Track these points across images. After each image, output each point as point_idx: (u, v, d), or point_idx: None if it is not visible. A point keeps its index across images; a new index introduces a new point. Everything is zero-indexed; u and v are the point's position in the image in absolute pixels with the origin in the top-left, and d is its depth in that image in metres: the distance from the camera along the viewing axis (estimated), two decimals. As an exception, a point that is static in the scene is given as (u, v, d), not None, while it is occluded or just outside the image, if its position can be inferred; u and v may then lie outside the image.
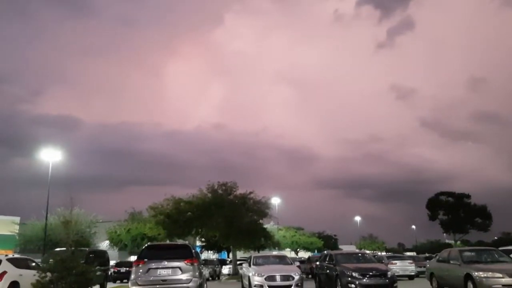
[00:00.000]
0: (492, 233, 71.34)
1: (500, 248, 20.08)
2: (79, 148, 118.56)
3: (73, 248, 14.48)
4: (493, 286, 12.55)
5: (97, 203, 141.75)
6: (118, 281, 28.06)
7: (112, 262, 29.38)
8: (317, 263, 19.99)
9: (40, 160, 31.22)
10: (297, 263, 29.05)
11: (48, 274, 13.19)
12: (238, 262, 35.34)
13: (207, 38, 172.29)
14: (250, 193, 34.19)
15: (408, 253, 66.24)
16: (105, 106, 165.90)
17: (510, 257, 15.06)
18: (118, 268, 30.98)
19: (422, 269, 24.72)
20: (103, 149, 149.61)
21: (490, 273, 12.88)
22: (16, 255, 18.87)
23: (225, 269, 38.58)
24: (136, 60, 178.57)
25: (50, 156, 30.20)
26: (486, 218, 58.12)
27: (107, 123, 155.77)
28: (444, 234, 67.84)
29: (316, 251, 66.37)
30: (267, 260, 18.32)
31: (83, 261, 15.14)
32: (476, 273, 13.08)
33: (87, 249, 22.11)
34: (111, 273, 27.38)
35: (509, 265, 13.76)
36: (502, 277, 12.63)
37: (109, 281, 24.64)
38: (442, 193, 61.51)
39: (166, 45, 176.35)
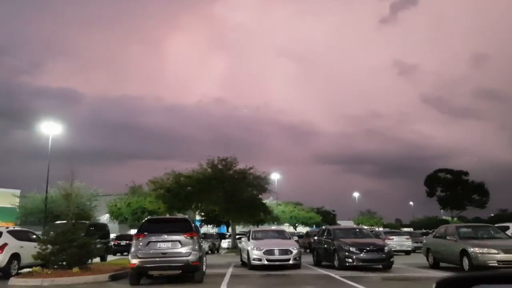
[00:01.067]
0: (489, 209, 72.25)
1: (496, 225, 20.25)
2: (79, 121, 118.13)
3: (73, 221, 14.65)
4: (488, 261, 12.68)
5: (97, 176, 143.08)
6: (119, 254, 28.42)
7: (112, 235, 29.72)
8: (315, 237, 20.22)
9: (40, 133, 31.17)
10: (296, 238, 29.39)
11: (49, 246, 13.38)
12: (237, 236, 35.76)
13: (209, 12, 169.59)
14: (250, 168, 34.32)
15: (405, 229, 66.88)
16: (106, 79, 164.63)
17: (506, 234, 15.22)
18: (118, 241, 31.40)
19: (419, 244, 25.02)
20: (103, 122, 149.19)
21: (486, 249, 13.00)
22: (17, 227, 19.04)
23: (225, 243, 39.14)
24: (137, 33, 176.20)
25: (50, 129, 30.07)
26: (484, 195, 58.57)
27: (107, 96, 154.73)
28: (442, 210, 68.40)
29: (314, 226, 67.02)
30: (266, 235, 18.54)
31: (83, 234, 15.32)
32: (471, 249, 13.21)
33: (87, 222, 22.34)
34: (111, 245, 27.77)
35: (504, 242, 13.90)
36: (497, 253, 12.76)
37: (110, 253, 25.01)
38: (441, 170, 61.87)
39: (167, 18, 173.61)
